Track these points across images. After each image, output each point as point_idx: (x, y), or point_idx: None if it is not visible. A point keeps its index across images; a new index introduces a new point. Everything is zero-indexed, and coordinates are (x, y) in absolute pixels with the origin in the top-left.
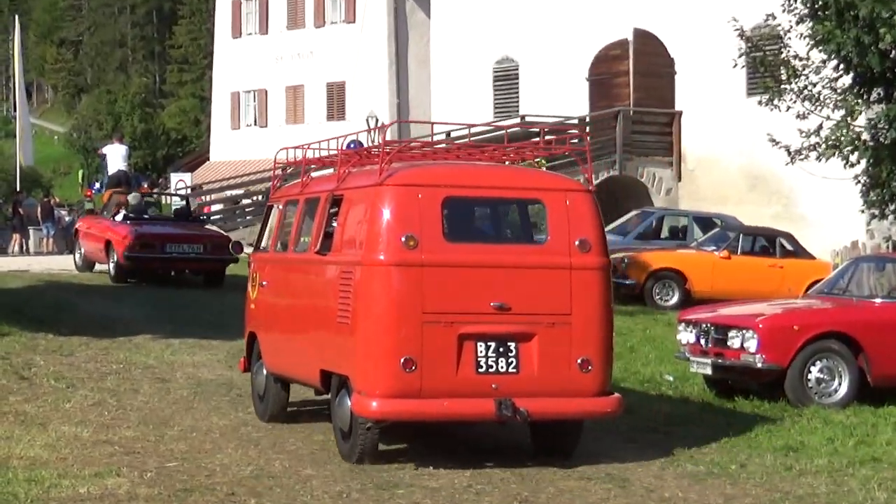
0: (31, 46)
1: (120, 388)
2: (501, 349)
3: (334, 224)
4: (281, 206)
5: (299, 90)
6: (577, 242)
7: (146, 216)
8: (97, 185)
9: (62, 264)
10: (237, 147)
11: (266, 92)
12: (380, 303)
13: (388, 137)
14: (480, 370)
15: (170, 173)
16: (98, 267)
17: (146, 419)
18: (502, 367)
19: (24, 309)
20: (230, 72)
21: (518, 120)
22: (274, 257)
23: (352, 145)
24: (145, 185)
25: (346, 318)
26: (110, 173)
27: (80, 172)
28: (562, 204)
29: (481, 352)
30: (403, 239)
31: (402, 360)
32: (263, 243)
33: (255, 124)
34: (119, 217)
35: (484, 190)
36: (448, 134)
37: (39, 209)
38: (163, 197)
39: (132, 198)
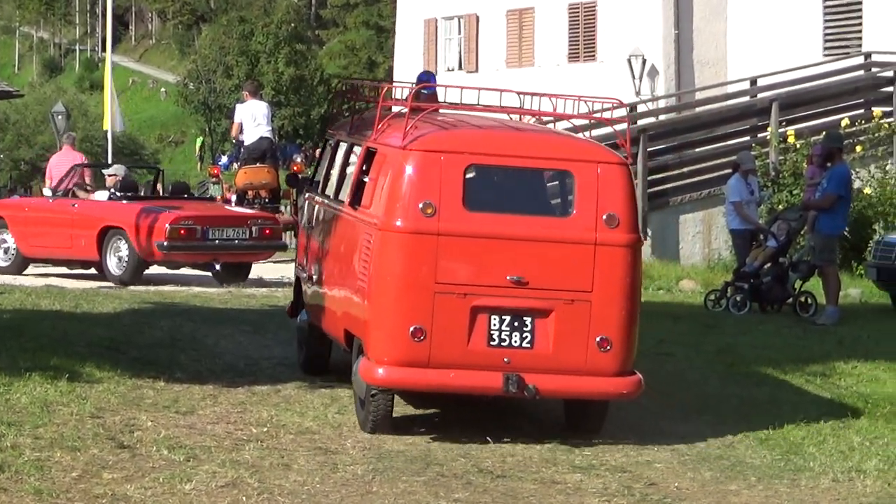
0: None
1: (264, 463)
2: (516, 323)
3: (366, 179)
4: (332, 143)
5: (527, 16)
6: (604, 217)
7: (129, 194)
8: (224, 158)
9: (180, 274)
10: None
11: (477, 18)
12: (392, 270)
13: (644, 85)
14: (493, 343)
15: None
16: (32, 269)
17: None
18: (516, 342)
19: (124, 345)
20: None
21: (861, 59)
22: (318, 199)
23: (423, 82)
24: (298, 160)
25: (364, 281)
26: (247, 142)
27: (200, 141)
28: (592, 175)
29: (495, 325)
30: (421, 206)
31: (411, 329)
32: (316, 178)
33: (461, 68)
34: (101, 196)
35: (510, 158)
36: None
37: None
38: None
39: (116, 168)
